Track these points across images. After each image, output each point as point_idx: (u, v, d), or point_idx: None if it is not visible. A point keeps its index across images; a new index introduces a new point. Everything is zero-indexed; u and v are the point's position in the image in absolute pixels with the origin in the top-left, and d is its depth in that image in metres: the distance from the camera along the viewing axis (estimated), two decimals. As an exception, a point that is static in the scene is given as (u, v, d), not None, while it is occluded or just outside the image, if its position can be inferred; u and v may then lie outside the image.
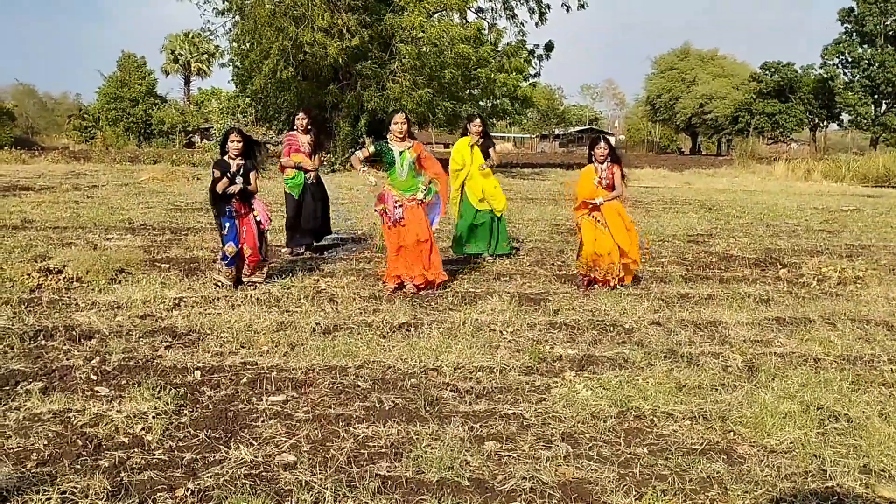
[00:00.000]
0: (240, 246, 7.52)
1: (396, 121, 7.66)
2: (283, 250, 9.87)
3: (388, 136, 7.76)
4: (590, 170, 8.13)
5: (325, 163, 27.14)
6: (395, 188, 7.66)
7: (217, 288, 7.46)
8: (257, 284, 7.71)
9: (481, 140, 9.63)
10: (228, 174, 7.40)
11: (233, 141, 7.47)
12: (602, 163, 8.05)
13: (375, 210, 7.86)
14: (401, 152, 7.63)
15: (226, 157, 7.49)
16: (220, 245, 7.64)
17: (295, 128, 9.77)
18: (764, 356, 5.79)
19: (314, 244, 10.02)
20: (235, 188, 7.38)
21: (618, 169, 8.10)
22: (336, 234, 10.23)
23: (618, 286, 8.02)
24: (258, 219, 7.60)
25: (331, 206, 10.43)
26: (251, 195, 7.57)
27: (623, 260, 8.04)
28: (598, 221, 8.00)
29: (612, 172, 8.03)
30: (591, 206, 8.02)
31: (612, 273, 7.97)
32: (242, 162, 7.49)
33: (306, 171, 9.68)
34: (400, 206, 7.61)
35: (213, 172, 7.47)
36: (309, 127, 9.76)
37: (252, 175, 7.54)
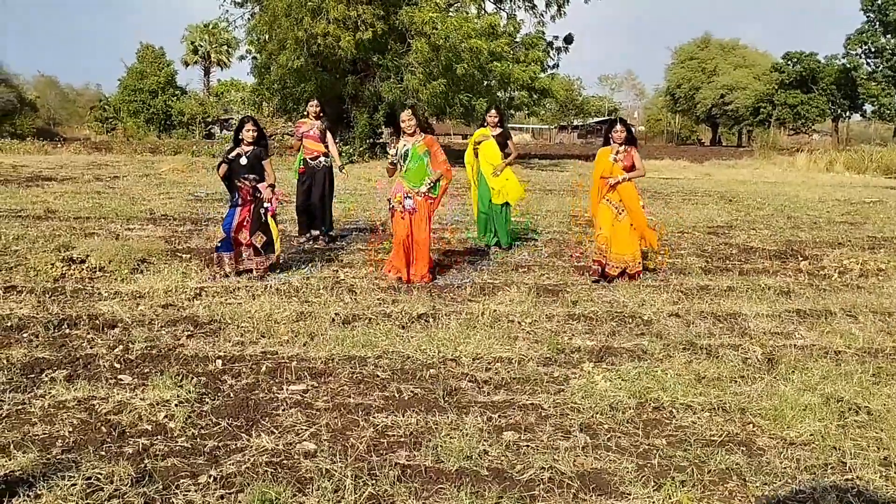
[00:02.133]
0: (233, 234, 7.59)
1: (403, 118, 7.81)
2: (300, 239, 9.94)
3: (401, 135, 7.91)
4: (605, 151, 8.11)
5: (342, 154, 27.18)
6: (405, 181, 7.73)
7: (225, 277, 7.55)
8: (257, 274, 7.63)
9: (499, 131, 9.66)
10: (228, 158, 7.60)
11: (249, 130, 7.67)
12: (620, 144, 8.01)
13: (389, 200, 7.91)
14: (410, 147, 7.70)
15: (240, 146, 7.67)
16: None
17: (306, 113, 10.00)
18: (784, 348, 5.76)
19: (323, 233, 10.04)
20: (267, 193, 7.55)
21: (635, 150, 8.08)
22: (329, 234, 10.10)
23: (636, 277, 8.01)
24: (265, 206, 7.60)
25: (333, 202, 10.38)
26: (253, 178, 7.60)
27: (642, 247, 8.02)
28: (614, 206, 7.94)
29: (632, 155, 7.97)
30: (607, 187, 7.96)
31: (631, 267, 7.95)
32: (252, 149, 7.65)
33: (311, 159, 9.81)
34: (409, 197, 7.68)
35: (227, 149, 7.78)
36: (321, 114, 9.95)
37: (266, 164, 7.67)
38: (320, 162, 9.85)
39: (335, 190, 10.43)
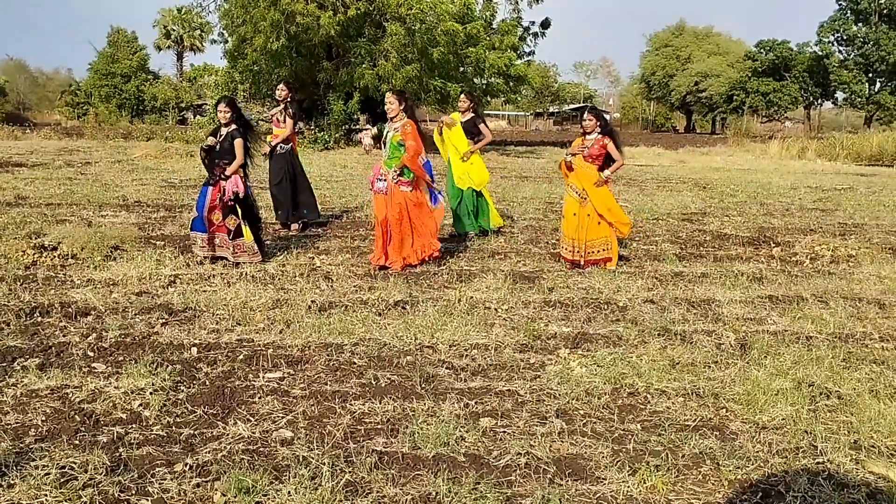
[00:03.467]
0: (206, 213, 7.50)
1: (386, 101, 7.72)
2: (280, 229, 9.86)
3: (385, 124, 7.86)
4: (577, 142, 8.11)
5: (316, 140, 26.96)
6: (383, 163, 7.70)
7: (199, 264, 7.51)
8: (233, 259, 7.57)
9: (470, 116, 9.64)
10: (205, 147, 7.58)
11: (220, 111, 7.60)
12: (589, 133, 7.94)
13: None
14: (387, 132, 7.67)
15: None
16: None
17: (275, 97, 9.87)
18: (757, 334, 5.83)
19: (300, 220, 9.90)
20: (231, 169, 7.44)
21: (609, 140, 7.89)
22: (304, 221, 9.95)
23: (606, 266, 8.00)
24: (226, 189, 7.44)
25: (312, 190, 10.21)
26: (223, 159, 7.51)
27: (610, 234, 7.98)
28: (577, 192, 7.89)
29: (603, 144, 7.85)
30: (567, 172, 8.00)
31: (598, 252, 7.97)
32: (229, 129, 7.56)
33: (279, 144, 9.64)
34: (383, 180, 7.64)
35: (209, 138, 7.71)
36: (288, 99, 9.67)
37: (237, 144, 7.50)
38: (282, 146, 9.67)
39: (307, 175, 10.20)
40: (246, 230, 7.60)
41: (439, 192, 8.08)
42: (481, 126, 9.73)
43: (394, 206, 7.59)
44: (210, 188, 7.53)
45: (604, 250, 7.96)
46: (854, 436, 4.04)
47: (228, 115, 7.55)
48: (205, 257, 7.58)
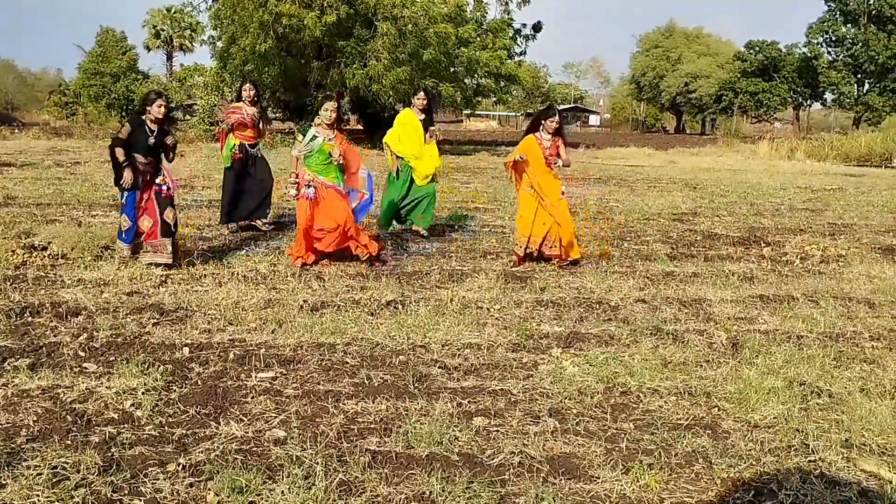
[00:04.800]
0: (136, 220, 7.25)
1: (327, 108, 7.57)
2: (223, 228, 9.69)
3: (314, 121, 7.67)
4: (531, 139, 7.97)
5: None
6: (309, 168, 7.59)
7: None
8: (160, 265, 7.19)
9: (423, 117, 9.41)
10: (123, 139, 7.16)
11: (160, 106, 7.20)
12: (551, 134, 7.93)
13: (287, 189, 7.80)
14: (323, 140, 7.52)
15: (146, 120, 7.24)
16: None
17: (242, 99, 9.55)
18: (748, 333, 5.86)
19: (247, 221, 9.71)
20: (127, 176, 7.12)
21: (561, 141, 7.96)
22: (265, 224, 9.75)
23: (565, 261, 8.02)
24: (162, 186, 7.24)
25: (273, 190, 9.95)
26: (160, 162, 7.30)
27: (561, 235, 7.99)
28: (538, 194, 7.92)
29: (557, 145, 7.91)
30: (535, 174, 7.96)
31: (551, 242, 8.01)
32: (157, 128, 7.26)
33: (250, 145, 9.51)
34: (311, 186, 7.52)
35: (124, 128, 7.26)
36: (255, 99, 9.58)
37: (169, 140, 7.33)
38: (258, 149, 9.61)
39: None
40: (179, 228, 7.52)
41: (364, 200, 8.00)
42: (432, 128, 9.50)
43: (342, 211, 7.56)
44: (137, 193, 7.23)
45: (566, 249, 8.02)
46: (845, 434, 4.06)
47: (164, 113, 7.26)
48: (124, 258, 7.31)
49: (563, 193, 8.04)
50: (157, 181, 7.26)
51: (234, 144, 9.43)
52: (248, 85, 9.65)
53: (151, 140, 7.20)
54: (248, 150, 9.52)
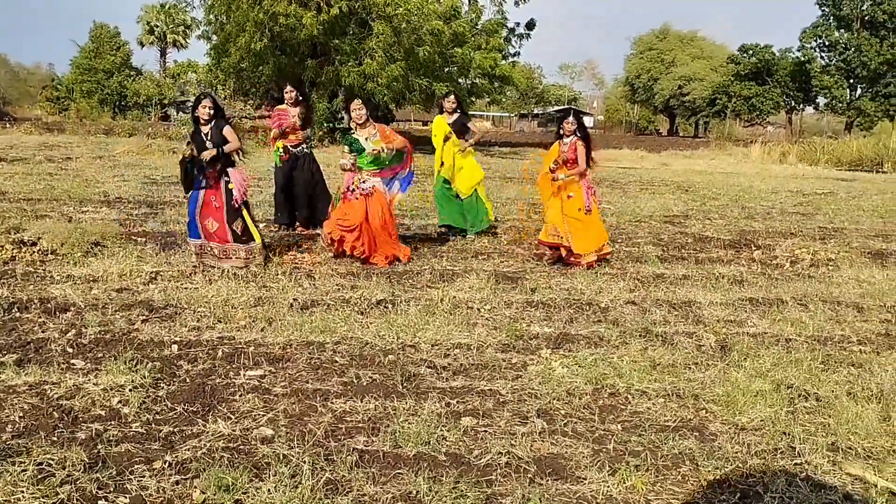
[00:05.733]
0: (199, 220, 7.28)
1: (354, 107, 7.76)
2: (273, 226, 9.83)
3: (350, 125, 7.87)
4: (555, 146, 8.19)
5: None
6: (363, 170, 7.77)
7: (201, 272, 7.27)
8: (244, 266, 7.36)
9: (457, 116, 9.67)
10: (192, 144, 7.19)
11: (205, 107, 7.28)
12: (568, 137, 8.04)
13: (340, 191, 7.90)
14: (365, 139, 7.71)
15: (199, 125, 7.33)
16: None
17: (284, 101, 9.67)
18: (737, 336, 5.87)
19: (298, 224, 9.86)
20: (208, 154, 7.14)
21: (582, 145, 7.96)
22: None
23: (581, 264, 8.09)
24: (231, 189, 7.26)
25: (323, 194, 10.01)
26: (221, 157, 7.25)
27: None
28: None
29: (575, 147, 7.95)
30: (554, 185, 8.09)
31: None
32: (209, 128, 7.28)
33: (293, 146, 9.63)
34: (364, 182, 7.74)
35: (188, 146, 7.25)
36: (299, 98, 9.72)
37: (227, 132, 7.32)
38: (303, 149, 9.72)
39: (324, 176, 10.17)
40: (255, 232, 7.49)
41: (404, 181, 8.10)
42: (470, 124, 9.83)
43: (376, 209, 7.70)
44: (201, 192, 7.27)
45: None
46: (832, 437, 4.08)
47: (213, 111, 7.33)
48: (195, 266, 7.30)
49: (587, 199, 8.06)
50: (231, 188, 7.28)
51: (279, 147, 9.58)
52: (288, 87, 9.80)
53: (208, 143, 7.23)
54: (292, 151, 9.63)
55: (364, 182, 7.74)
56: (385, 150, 7.69)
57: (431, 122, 10.33)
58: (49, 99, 58.62)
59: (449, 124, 9.60)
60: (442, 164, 9.59)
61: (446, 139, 9.56)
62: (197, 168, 7.26)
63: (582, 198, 7.97)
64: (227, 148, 7.26)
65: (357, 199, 7.75)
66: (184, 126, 31.05)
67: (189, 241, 7.50)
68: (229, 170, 7.34)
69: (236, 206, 7.32)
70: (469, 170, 9.69)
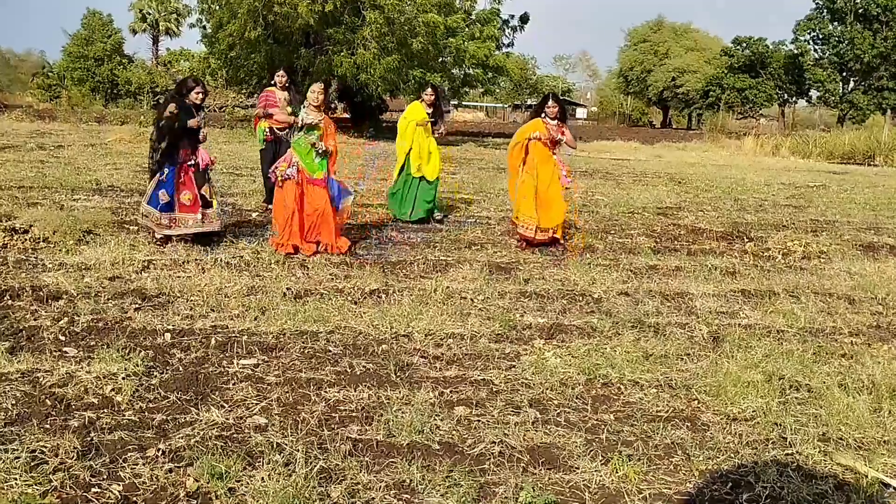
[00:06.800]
0: (176, 195, 7.48)
1: (314, 90, 7.68)
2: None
3: (304, 104, 7.76)
4: (538, 121, 8.35)
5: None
6: (295, 151, 7.66)
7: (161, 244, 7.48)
8: (213, 241, 7.68)
9: (430, 110, 9.81)
10: (176, 108, 7.36)
11: (198, 93, 7.57)
12: (553, 119, 8.25)
13: (272, 173, 7.82)
14: (312, 125, 7.62)
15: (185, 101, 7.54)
16: (147, 186, 7.65)
17: (273, 83, 9.93)
18: (729, 327, 5.90)
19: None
20: (196, 122, 7.46)
21: (566, 127, 8.37)
22: None
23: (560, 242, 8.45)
24: (197, 161, 7.58)
25: None
26: (199, 140, 7.62)
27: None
28: (535, 179, 8.26)
29: (563, 131, 8.24)
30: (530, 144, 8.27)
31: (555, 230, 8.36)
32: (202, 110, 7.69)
33: (279, 129, 9.70)
34: (294, 167, 7.61)
35: (169, 106, 7.39)
36: (288, 84, 9.91)
37: (201, 116, 7.66)
38: (287, 132, 9.79)
39: None
40: (214, 199, 7.84)
41: (346, 191, 8.08)
42: (439, 120, 10.00)
43: (320, 198, 7.66)
44: (175, 168, 7.49)
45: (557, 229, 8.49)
46: (823, 428, 4.10)
47: (203, 99, 7.67)
48: (160, 238, 7.51)
49: (566, 178, 8.40)
50: (192, 161, 7.57)
51: (265, 128, 9.81)
52: (281, 71, 10.05)
53: (193, 122, 7.50)
54: (277, 133, 9.72)
55: (291, 167, 7.60)
56: (319, 145, 7.60)
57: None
58: (40, 86, 58.21)
59: (428, 114, 9.75)
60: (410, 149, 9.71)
61: (424, 124, 9.68)
62: (172, 141, 7.43)
63: (558, 172, 8.35)
64: (200, 148, 7.64)
65: (280, 185, 7.65)
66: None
67: (157, 213, 7.51)
68: (200, 146, 7.65)
69: (202, 169, 7.63)
70: (437, 156, 9.90)
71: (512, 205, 8.70)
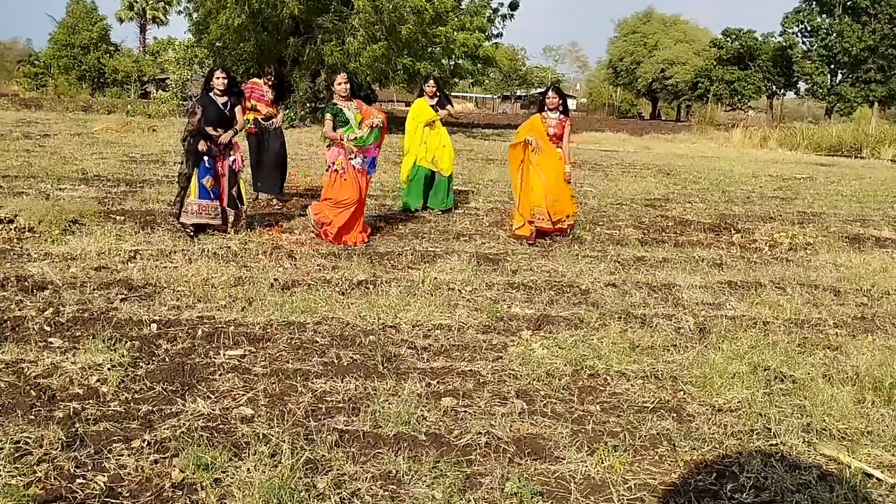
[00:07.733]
0: (220, 182, 7.71)
1: (340, 81, 7.81)
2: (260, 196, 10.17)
3: (333, 98, 7.93)
4: (536, 117, 8.42)
5: (283, 118, 26.66)
6: (350, 143, 7.69)
7: (184, 235, 7.56)
8: (233, 229, 7.87)
9: (437, 100, 9.94)
10: (199, 116, 7.45)
11: (218, 78, 7.70)
12: (553, 111, 8.27)
13: (329, 165, 7.79)
14: (351, 111, 7.73)
15: (211, 94, 7.70)
16: (180, 187, 7.61)
17: (261, 78, 10.19)
18: (715, 318, 5.92)
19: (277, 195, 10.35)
20: (226, 137, 7.64)
21: (569, 124, 8.45)
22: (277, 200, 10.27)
23: (566, 233, 8.54)
24: (233, 159, 7.75)
25: (288, 167, 10.77)
26: (233, 136, 7.79)
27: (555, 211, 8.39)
28: (538, 169, 8.29)
29: (563, 125, 8.22)
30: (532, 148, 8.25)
31: (556, 216, 8.37)
32: (226, 99, 7.77)
33: (266, 119, 10.01)
34: (353, 157, 7.69)
35: (196, 109, 7.53)
36: (274, 83, 10.17)
37: (238, 110, 7.86)
38: (272, 123, 10.10)
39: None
40: (245, 196, 8.05)
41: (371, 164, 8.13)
42: (448, 107, 10.18)
43: (365, 187, 7.87)
44: (213, 161, 7.63)
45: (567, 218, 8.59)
46: (807, 419, 4.13)
47: (227, 81, 7.75)
48: (192, 227, 7.60)
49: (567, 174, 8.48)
50: (231, 158, 7.75)
51: (249, 119, 9.85)
52: (269, 69, 10.38)
53: (226, 112, 7.74)
54: (262, 124, 10.03)
55: (353, 158, 7.67)
56: (369, 126, 7.69)
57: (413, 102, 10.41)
58: (26, 74, 57.70)
59: (431, 106, 9.77)
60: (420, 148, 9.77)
61: (431, 124, 9.67)
62: (201, 141, 7.50)
63: (562, 166, 8.42)
64: (237, 128, 7.84)
65: (345, 178, 7.67)
66: (163, 104, 30.75)
67: (196, 202, 7.58)
68: (233, 140, 7.80)
69: (237, 170, 7.82)
70: (450, 147, 10.00)
71: (516, 202, 8.61)
